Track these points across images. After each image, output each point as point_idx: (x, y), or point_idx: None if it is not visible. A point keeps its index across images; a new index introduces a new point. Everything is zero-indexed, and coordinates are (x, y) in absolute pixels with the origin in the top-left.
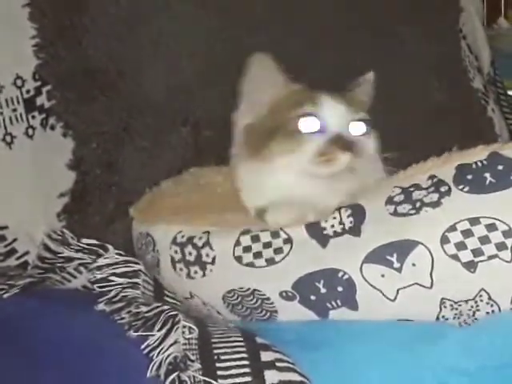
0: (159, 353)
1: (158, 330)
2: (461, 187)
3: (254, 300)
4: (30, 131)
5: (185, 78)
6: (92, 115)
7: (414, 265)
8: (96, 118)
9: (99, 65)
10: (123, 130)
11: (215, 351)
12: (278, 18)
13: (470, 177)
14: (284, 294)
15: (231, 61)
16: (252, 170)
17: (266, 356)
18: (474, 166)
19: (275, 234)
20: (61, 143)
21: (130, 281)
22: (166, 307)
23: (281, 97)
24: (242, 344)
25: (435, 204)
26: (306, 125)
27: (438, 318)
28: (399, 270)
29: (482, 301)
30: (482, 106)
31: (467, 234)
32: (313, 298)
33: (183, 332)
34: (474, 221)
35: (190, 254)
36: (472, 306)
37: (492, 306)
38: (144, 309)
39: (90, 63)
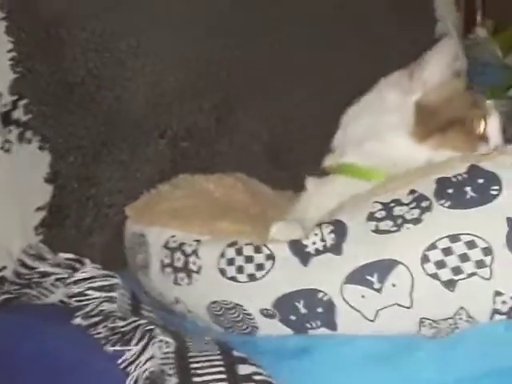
0: (136, 367)
1: (135, 345)
2: (442, 202)
3: (237, 314)
4: (7, 145)
5: (163, 90)
6: (69, 129)
7: (394, 285)
8: (73, 131)
9: (77, 78)
10: (101, 143)
11: (192, 365)
12: (257, 30)
13: (450, 191)
14: (265, 311)
15: (208, 73)
16: (415, 151)
17: (242, 369)
18: (453, 179)
19: (258, 249)
20: (38, 157)
21: (106, 295)
22: (142, 321)
23: (455, 91)
24: (218, 358)
25: (416, 220)
26: (481, 129)
27: None
28: (379, 290)
29: (461, 319)
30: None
31: (447, 252)
32: (292, 317)
33: (160, 346)
34: (454, 238)
35: (179, 259)
36: (451, 324)
37: (471, 323)
38: (120, 323)
39: (68, 76)
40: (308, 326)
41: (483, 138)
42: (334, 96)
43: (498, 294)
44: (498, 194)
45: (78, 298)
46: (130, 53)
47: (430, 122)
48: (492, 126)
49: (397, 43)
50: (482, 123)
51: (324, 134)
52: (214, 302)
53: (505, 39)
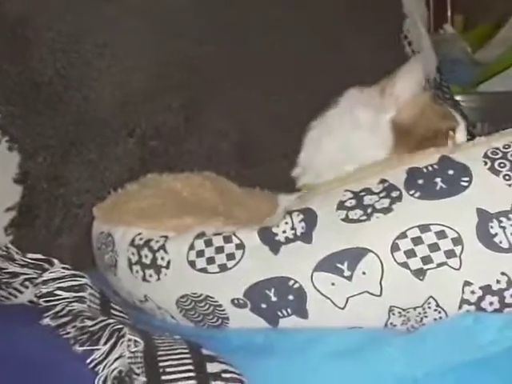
0: (105, 367)
1: (104, 344)
2: (412, 192)
3: (207, 306)
4: None
5: (131, 90)
6: (38, 129)
7: (364, 273)
8: (42, 131)
9: (44, 78)
10: (69, 143)
11: (161, 364)
12: (223, 27)
13: (421, 181)
14: (236, 301)
15: (176, 72)
16: None
17: (212, 367)
18: (424, 170)
19: (227, 239)
20: (6, 157)
21: (75, 295)
22: (111, 321)
23: (425, 105)
24: (187, 356)
25: (386, 210)
26: (453, 140)
27: (386, 325)
28: (349, 278)
29: (430, 308)
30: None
31: (417, 241)
32: (264, 306)
33: (129, 345)
34: (424, 228)
35: (146, 256)
36: (420, 313)
37: (440, 312)
38: (89, 323)
39: (35, 76)
40: (279, 314)
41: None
42: (302, 93)
43: (467, 283)
44: (468, 186)
45: (46, 299)
46: (97, 53)
47: (408, 141)
48: (461, 135)
49: (364, 41)
50: (452, 134)
51: (292, 132)
52: (184, 296)
53: (474, 35)
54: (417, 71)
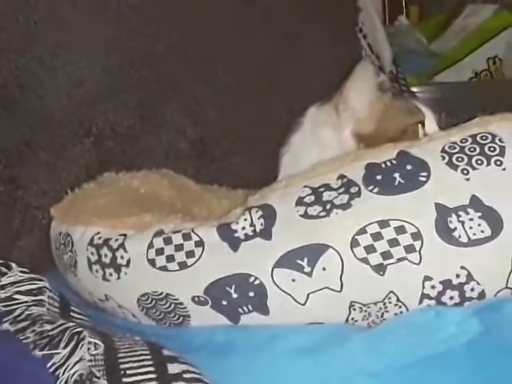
0: (65, 371)
1: (64, 348)
2: (370, 188)
3: (168, 304)
4: None
5: (86, 89)
6: None
7: (324, 269)
8: None
9: None
10: (25, 144)
11: (121, 366)
12: (176, 23)
13: (379, 177)
14: (196, 298)
15: (131, 70)
16: None
17: (173, 368)
18: (383, 165)
19: (187, 236)
20: None
21: (34, 298)
22: (71, 324)
23: (386, 106)
24: (148, 357)
25: (345, 206)
26: (422, 133)
27: (347, 320)
28: (310, 274)
29: (390, 303)
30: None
31: (377, 236)
32: (224, 303)
33: (89, 348)
34: (384, 223)
35: (106, 255)
36: (381, 308)
37: (400, 307)
38: (48, 327)
39: None
40: (240, 310)
41: None
42: (259, 89)
43: (427, 278)
44: (426, 180)
45: (5, 303)
46: (51, 52)
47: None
48: (430, 125)
49: (318, 35)
50: (421, 127)
51: (249, 128)
52: (145, 295)
53: (429, 26)
54: (366, 78)
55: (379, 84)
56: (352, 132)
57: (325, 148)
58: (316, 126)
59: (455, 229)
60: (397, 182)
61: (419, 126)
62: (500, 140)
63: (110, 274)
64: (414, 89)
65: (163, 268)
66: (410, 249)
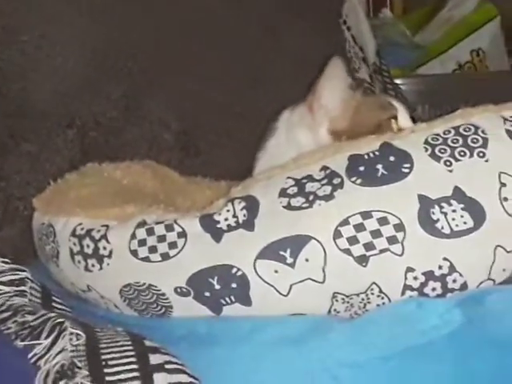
0: (46, 361)
1: (45, 338)
2: (353, 179)
3: (150, 295)
4: None
5: (70, 80)
6: None
7: (307, 260)
8: None
9: None
10: (8, 135)
11: (103, 356)
12: (162, 16)
13: (362, 168)
14: (179, 289)
15: (115, 61)
16: None
17: (154, 359)
18: (366, 156)
19: (169, 227)
20: None
21: (16, 289)
22: (52, 314)
23: (359, 103)
24: (130, 348)
25: (328, 197)
26: (396, 127)
27: (329, 312)
28: (292, 265)
29: (373, 294)
30: (373, 94)
31: (359, 228)
32: (207, 294)
33: (70, 339)
34: (366, 214)
35: (88, 246)
36: (363, 299)
37: (383, 298)
38: (30, 318)
39: None
40: (223, 302)
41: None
42: (243, 82)
43: (409, 269)
44: (409, 172)
45: None
46: (35, 44)
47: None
48: (404, 119)
49: (302, 27)
50: (394, 122)
51: (233, 121)
52: (127, 285)
53: (413, 18)
54: (338, 76)
55: (350, 83)
56: (328, 130)
57: (301, 149)
58: (291, 129)
59: (438, 220)
60: (380, 174)
61: (392, 120)
62: (483, 132)
63: (93, 265)
64: (398, 81)
65: (146, 259)
66: (392, 240)
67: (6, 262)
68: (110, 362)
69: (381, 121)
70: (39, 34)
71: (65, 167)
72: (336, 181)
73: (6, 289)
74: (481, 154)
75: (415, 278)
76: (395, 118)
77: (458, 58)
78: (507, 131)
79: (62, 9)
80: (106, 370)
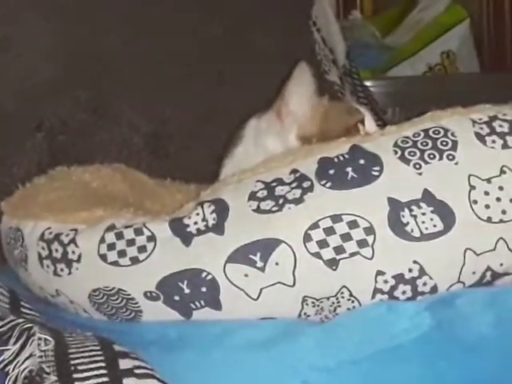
0: (15, 367)
1: (13, 344)
2: (323, 183)
3: (119, 300)
4: None
5: (37, 83)
6: None
7: (277, 264)
8: None
9: None
10: None
11: (72, 362)
12: (127, 18)
13: (332, 171)
14: (148, 294)
15: (83, 64)
16: None
17: (124, 364)
18: (335, 159)
19: (138, 231)
20: None
21: None
22: (20, 320)
23: (326, 109)
24: (99, 353)
25: (298, 201)
26: (363, 131)
27: (300, 315)
28: (262, 269)
29: (343, 297)
30: (338, 99)
31: (329, 231)
32: (177, 298)
33: (39, 344)
34: (336, 218)
35: (57, 250)
36: (333, 303)
37: (353, 302)
38: None
39: None
40: (192, 306)
41: None
42: (212, 83)
43: (379, 273)
44: (379, 175)
45: None
46: (0, 46)
47: None
48: (369, 124)
49: (272, 28)
50: (361, 126)
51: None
52: (96, 290)
53: (383, 20)
54: (305, 82)
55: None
56: (296, 136)
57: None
58: (259, 136)
59: (408, 223)
60: (349, 177)
61: (360, 125)
62: (452, 134)
63: (62, 269)
64: (368, 83)
65: (115, 263)
66: (362, 243)
67: None
68: (80, 367)
69: (349, 125)
70: (4, 36)
71: (33, 170)
72: (306, 184)
73: None
74: (450, 157)
75: (385, 282)
76: (362, 122)
77: (428, 60)
78: (476, 134)
79: (26, 11)
80: (75, 376)
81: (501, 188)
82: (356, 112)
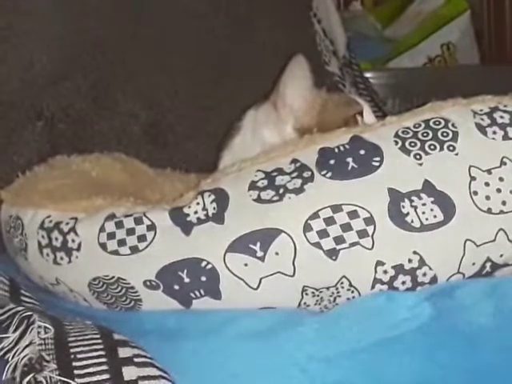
0: (14, 355)
1: (13, 332)
2: (323, 173)
3: (119, 288)
4: None
5: (37, 72)
6: None
7: (277, 253)
8: None
9: None
10: None
11: (72, 350)
12: (130, 7)
13: (332, 162)
14: (148, 283)
15: (83, 53)
16: None
17: (123, 352)
18: (336, 150)
19: (138, 220)
20: None
21: None
22: (20, 308)
23: (324, 101)
24: (99, 341)
25: (298, 190)
26: (361, 122)
27: (299, 305)
28: (262, 258)
29: (343, 287)
30: (338, 90)
31: (329, 221)
32: (176, 287)
33: (39, 332)
34: (336, 208)
35: (57, 239)
36: (333, 293)
37: (353, 292)
38: None
39: None
40: (192, 295)
41: None
42: (213, 74)
43: (379, 263)
44: (379, 165)
45: None
46: (0, 35)
47: None
48: (368, 115)
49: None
50: (360, 118)
51: (202, 113)
52: (96, 279)
53: (384, 12)
54: (301, 74)
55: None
56: (293, 127)
57: (267, 147)
58: (256, 127)
59: (408, 214)
60: (350, 167)
61: (358, 116)
62: (453, 125)
63: (61, 258)
64: (368, 74)
65: (115, 252)
66: (362, 234)
67: None
68: (79, 356)
69: (348, 117)
70: (5, 25)
71: (33, 159)
72: (306, 174)
73: None
74: (451, 148)
75: (385, 272)
76: (361, 113)
77: (428, 52)
78: (477, 125)
79: (29, 0)
80: (74, 364)
81: (501, 179)
82: (354, 104)
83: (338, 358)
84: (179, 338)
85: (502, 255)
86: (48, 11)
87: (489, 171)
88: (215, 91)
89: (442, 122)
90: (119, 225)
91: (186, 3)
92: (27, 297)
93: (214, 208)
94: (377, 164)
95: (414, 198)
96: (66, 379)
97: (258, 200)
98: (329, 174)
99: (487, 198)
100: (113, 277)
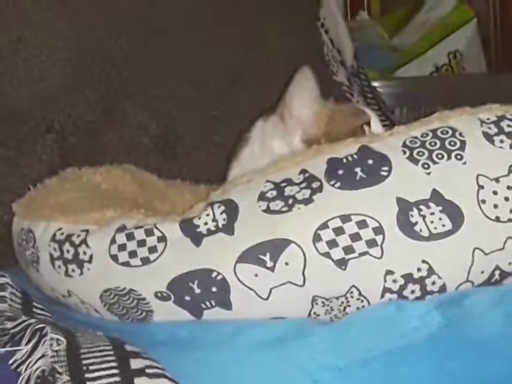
0: (27, 367)
1: (26, 344)
2: (332, 183)
3: (130, 300)
4: None
5: (48, 84)
6: None
7: (286, 264)
8: None
9: None
10: None
11: (84, 361)
12: (139, 19)
13: (341, 172)
14: (159, 294)
15: (93, 65)
16: None
17: (135, 363)
18: (344, 160)
19: (149, 232)
20: None
21: None
22: (32, 320)
23: (332, 112)
24: (111, 353)
25: (307, 201)
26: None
27: (310, 315)
28: (272, 269)
29: (352, 297)
30: (347, 100)
31: (339, 231)
32: (187, 298)
33: (51, 344)
34: (345, 218)
35: (68, 251)
36: (343, 302)
37: (362, 301)
38: (9, 324)
39: None
40: (203, 306)
41: None
42: (222, 85)
43: (389, 272)
44: (387, 175)
45: None
46: (12, 48)
47: None
48: (375, 125)
49: (280, 30)
50: (367, 128)
51: (212, 124)
52: (107, 290)
53: (391, 21)
54: (308, 85)
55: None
56: (301, 139)
57: (275, 158)
58: (265, 138)
59: (416, 223)
60: (358, 177)
61: (366, 126)
62: (460, 134)
63: (73, 270)
64: (376, 83)
65: (126, 264)
66: (371, 243)
67: None
68: (91, 367)
69: (355, 127)
70: (16, 37)
71: (44, 172)
72: (315, 184)
73: None
74: (458, 157)
75: (394, 281)
76: (368, 124)
77: (435, 61)
78: (484, 133)
79: (37, 12)
80: (87, 375)
81: (509, 187)
82: (361, 114)
83: (349, 367)
84: (191, 348)
85: (510, 263)
86: (58, 24)
87: (497, 180)
88: (224, 102)
89: (450, 132)
90: (130, 236)
91: (194, 13)
92: (39, 309)
93: (224, 219)
94: (385, 174)
95: (422, 207)
96: None
97: (268, 211)
98: (337, 184)
99: (495, 206)
100: (124, 288)
